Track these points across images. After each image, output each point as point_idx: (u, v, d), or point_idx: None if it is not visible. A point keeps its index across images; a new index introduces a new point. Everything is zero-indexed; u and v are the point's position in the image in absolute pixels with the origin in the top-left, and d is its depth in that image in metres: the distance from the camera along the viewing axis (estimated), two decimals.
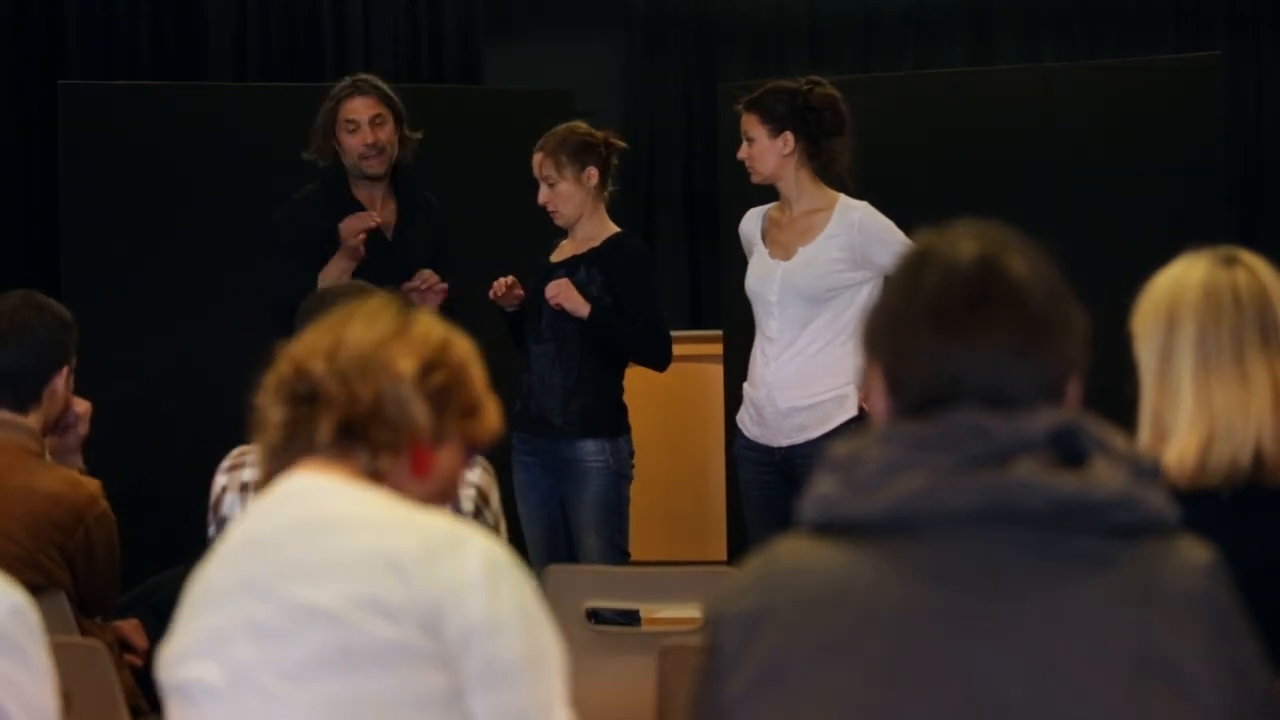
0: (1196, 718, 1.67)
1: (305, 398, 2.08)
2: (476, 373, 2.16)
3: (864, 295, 4.97)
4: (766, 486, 5.00)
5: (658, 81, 9.11)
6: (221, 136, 6.56)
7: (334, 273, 5.20)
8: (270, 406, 2.11)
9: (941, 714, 1.66)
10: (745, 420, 5.10)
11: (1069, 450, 1.72)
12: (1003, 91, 6.55)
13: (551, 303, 5.12)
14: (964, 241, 1.80)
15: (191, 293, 6.44)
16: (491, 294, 5.18)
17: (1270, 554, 2.50)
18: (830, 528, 1.75)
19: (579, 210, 5.20)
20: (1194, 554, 1.74)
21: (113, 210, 6.50)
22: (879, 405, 1.82)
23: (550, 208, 5.21)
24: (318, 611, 1.95)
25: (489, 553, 1.99)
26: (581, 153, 5.18)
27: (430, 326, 2.15)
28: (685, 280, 8.98)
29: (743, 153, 5.03)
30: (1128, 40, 8.69)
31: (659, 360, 5.29)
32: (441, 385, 2.11)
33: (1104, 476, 1.72)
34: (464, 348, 2.16)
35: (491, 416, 2.16)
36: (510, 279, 5.20)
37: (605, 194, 5.25)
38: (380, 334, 2.11)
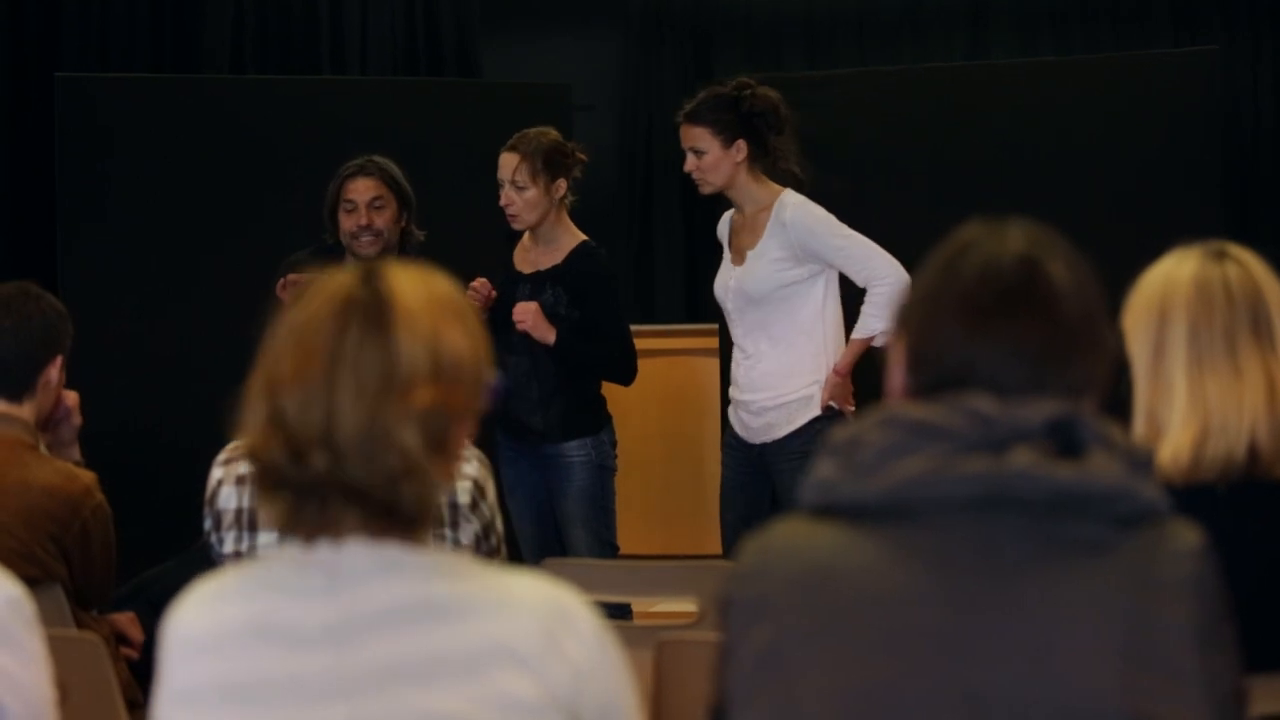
0: (1187, 699, 1.68)
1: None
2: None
3: (819, 290, 4.98)
4: (741, 478, 5.02)
5: (654, 75, 9.10)
6: (218, 129, 6.57)
7: None
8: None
9: (937, 696, 1.67)
10: (731, 416, 5.16)
11: (1067, 440, 1.73)
12: (999, 86, 6.56)
13: (519, 328, 5.09)
14: (1012, 238, 1.81)
15: (188, 285, 6.44)
16: (473, 295, 5.08)
17: (1267, 548, 2.50)
18: (829, 510, 1.77)
19: (540, 218, 5.17)
20: (1185, 537, 1.75)
21: (109, 203, 6.51)
22: (897, 380, 1.83)
23: (512, 211, 5.15)
24: (447, 718, 1.80)
25: (592, 614, 1.89)
26: (554, 163, 5.14)
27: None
28: (681, 273, 8.97)
29: (690, 165, 5.02)
30: (1124, 35, 8.70)
31: (624, 377, 5.27)
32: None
33: (1102, 468, 1.72)
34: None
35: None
36: (484, 280, 5.17)
37: (568, 202, 5.22)
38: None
